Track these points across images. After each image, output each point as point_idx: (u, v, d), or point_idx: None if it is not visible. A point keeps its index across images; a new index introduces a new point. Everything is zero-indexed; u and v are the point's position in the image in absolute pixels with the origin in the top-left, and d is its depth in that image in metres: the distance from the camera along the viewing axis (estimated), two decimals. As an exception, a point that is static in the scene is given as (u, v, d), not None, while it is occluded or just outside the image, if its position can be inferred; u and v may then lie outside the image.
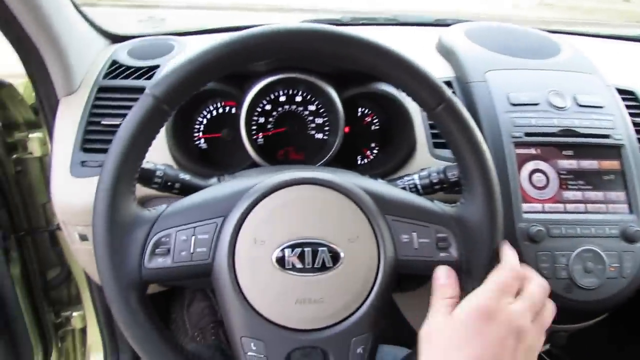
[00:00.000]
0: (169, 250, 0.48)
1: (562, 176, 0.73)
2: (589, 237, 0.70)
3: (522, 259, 0.68)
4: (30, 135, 0.85)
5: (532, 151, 0.73)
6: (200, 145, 0.81)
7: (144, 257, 0.48)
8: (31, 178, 0.91)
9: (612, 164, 0.74)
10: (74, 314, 1.05)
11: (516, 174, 0.71)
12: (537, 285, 0.50)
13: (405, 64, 0.50)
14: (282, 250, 0.48)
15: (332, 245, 0.49)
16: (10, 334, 0.91)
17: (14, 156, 0.87)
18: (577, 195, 0.72)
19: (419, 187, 0.63)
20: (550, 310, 0.51)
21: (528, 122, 0.73)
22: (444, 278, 0.50)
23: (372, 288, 0.49)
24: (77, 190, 0.71)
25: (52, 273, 1.01)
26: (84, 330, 1.10)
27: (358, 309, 0.49)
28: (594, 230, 0.70)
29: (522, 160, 0.72)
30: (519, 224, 0.69)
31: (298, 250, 0.48)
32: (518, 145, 0.73)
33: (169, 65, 0.48)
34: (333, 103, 0.74)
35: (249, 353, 0.48)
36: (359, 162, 0.84)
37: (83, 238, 0.77)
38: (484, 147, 0.52)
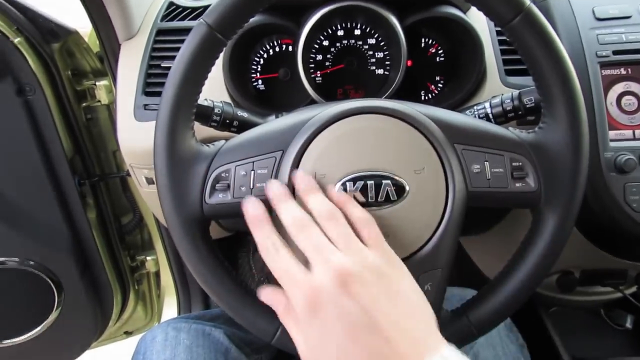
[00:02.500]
0: (228, 186, 0.47)
1: (657, 98, 0.65)
2: (687, 165, 0.62)
3: (608, 193, 0.62)
4: (97, 83, 0.87)
5: (622, 71, 0.65)
6: (257, 86, 0.79)
7: (204, 192, 0.47)
8: (101, 125, 0.94)
9: None
10: (148, 258, 1.11)
11: (602, 98, 0.64)
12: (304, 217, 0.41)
13: None
14: (344, 184, 0.46)
15: (396, 178, 0.46)
16: (91, 276, 0.97)
17: (84, 104, 0.90)
18: (675, 119, 0.64)
19: (490, 115, 0.58)
20: (361, 219, 0.41)
21: (618, 39, 0.65)
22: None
23: (440, 222, 0.46)
24: (142, 134, 0.73)
25: (125, 219, 1.06)
26: (157, 274, 1.15)
27: (426, 244, 0.46)
28: (697, 155, 0.62)
29: (610, 82, 0.65)
30: (605, 153, 0.62)
31: (360, 183, 0.45)
32: (605, 65, 0.65)
33: None
34: (394, 33, 0.70)
35: None
36: (423, 97, 0.79)
37: (150, 181, 0.79)
38: (569, 63, 0.46)
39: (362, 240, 0.41)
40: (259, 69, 0.79)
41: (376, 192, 0.45)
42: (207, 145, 0.50)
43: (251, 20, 0.70)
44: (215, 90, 0.74)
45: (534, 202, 0.47)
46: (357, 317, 0.36)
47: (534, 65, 0.46)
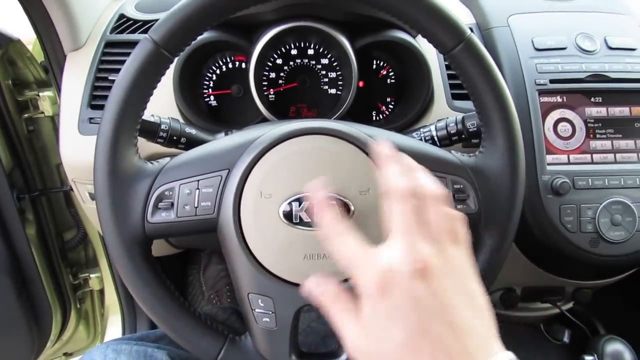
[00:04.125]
0: (172, 204, 0.47)
1: (590, 125, 0.69)
2: (617, 188, 0.66)
3: (545, 214, 0.66)
4: (41, 94, 0.84)
5: (558, 99, 0.69)
6: (209, 102, 0.79)
7: (146, 211, 0.46)
8: (44, 138, 0.90)
9: (644, 111, 0.70)
10: (92, 275, 1.06)
11: (540, 124, 0.67)
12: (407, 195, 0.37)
13: (420, 1, 0.47)
14: (290, 204, 0.46)
15: (341, 198, 0.46)
16: (28, 295, 0.92)
17: (26, 115, 0.86)
18: (606, 144, 0.69)
19: (436, 138, 0.60)
20: (456, 216, 0.39)
21: (554, 68, 0.69)
22: (314, 287, 0.40)
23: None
24: (86, 148, 0.70)
25: (68, 235, 1.02)
26: (102, 292, 1.11)
27: None
28: (624, 181, 0.66)
29: (547, 109, 0.69)
30: (543, 176, 0.66)
31: (306, 203, 0.46)
32: (542, 93, 0.69)
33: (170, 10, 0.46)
34: (346, 54, 0.71)
35: (257, 310, 0.47)
36: (374, 117, 0.81)
37: (93, 197, 0.76)
38: (506, 90, 0.48)
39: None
40: (211, 85, 0.78)
41: None
42: (151, 163, 0.49)
43: (203, 36, 0.71)
44: (165, 105, 0.72)
45: (473, 223, 0.48)
46: (431, 306, 0.34)
47: (474, 91, 0.48)
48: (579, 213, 0.65)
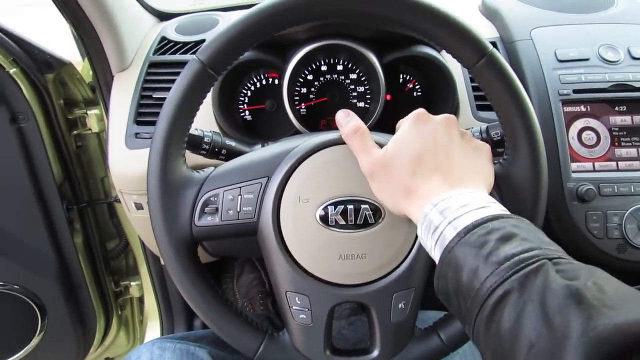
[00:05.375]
0: (217, 209, 0.51)
1: (614, 133, 0.70)
2: (644, 195, 0.67)
3: (571, 221, 0.67)
4: (88, 112, 0.90)
5: (582, 108, 0.71)
6: (245, 117, 0.83)
7: (194, 215, 0.51)
8: (90, 153, 0.97)
9: (670, 119, 0.71)
10: (132, 283, 1.12)
11: (564, 133, 0.69)
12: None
13: (443, 18, 0.50)
14: (325, 208, 0.49)
15: (374, 202, 0.50)
16: (75, 301, 0.97)
17: (75, 132, 0.92)
18: (631, 152, 0.70)
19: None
20: None
21: (577, 79, 0.71)
22: (343, 117, 0.53)
23: (413, 244, 0.50)
24: (132, 161, 0.75)
25: (111, 244, 1.07)
26: (141, 299, 1.16)
27: (400, 264, 0.50)
28: (650, 187, 0.67)
29: (571, 118, 0.70)
30: (568, 183, 0.67)
31: (341, 207, 0.49)
32: (566, 103, 0.71)
33: (215, 32, 0.50)
34: (374, 69, 0.75)
35: (294, 307, 0.50)
36: (401, 129, 0.84)
37: (138, 207, 0.81)
38: (528, 101, 0.51)
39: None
40: (246, 101, 0.83)
41: (355, 215, 0.49)
42: (197, 172, 0.53)
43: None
44: (204, 120, 0.77)
45: None
46: (444, 142, 0.48)
47: (497, 103, 0.51)
48: (605, 219, 0.66)
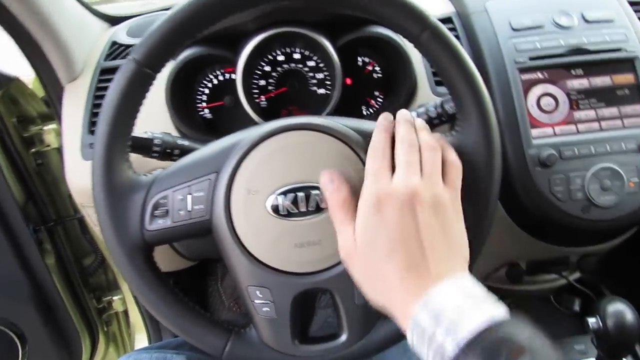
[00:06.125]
0: (167, 212, 0.49)
1: (573, 97, 0.71)
2: (604, 154, 0.68)
3: (535, 186, 0.68)
4: (45, 128, 0.88)
5: (539, 75, 0.71)
6: (204, 115, 0.82)
7: (144, 219, 0.49)
8: (53, 170, 0.94)
9: (626, 78, 0.72)
10: (114, 297, 1.10)
11: (522, 101, 0.69)
12: (409, 144, 0.46)
13: None
14: (276, 197, 0.48)
15: None
16: (55, 322, 0.95)
17: (33, 150, 0.90)
18: (590, 114, 0.70)
19: (418, 125, 0.62)
20: (452, 164, 0.47)
21: (533, 46, 0.71)
22: (328, 182, 0.47)
23: None
24: (90, 173, 0.73)
25: (87, 260, 1.05)
26: (126, 312, 1.14)
27: None
28: (610, 147, 0.68)
29: (529, 85, 0.71)
30: (529, 150, 0.68)
31: (291, 195, 0.48)
32: (523, 70, 0.71)
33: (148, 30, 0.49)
34: (329, 54, 0.74)
35: (256, 301, 0.49)
36: (364, 112, 0.83)
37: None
38: (474, 70, 0.50)
39: (444, 178, 0.47)
40: (204, 99, 0.81)
41: (306, 202, 0.48)
42: (145, 175, 0.52)
43: (189, 52, 0.74)
44: (161, 123, 0.75)
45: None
46: (411, 227, 0.42)
47: (444, 75, 0.51)
48: (568, 182, 0.67)
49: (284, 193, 0.48)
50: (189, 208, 0.49)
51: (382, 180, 0.44)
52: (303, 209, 0.48)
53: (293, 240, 0.49)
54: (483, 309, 0.37)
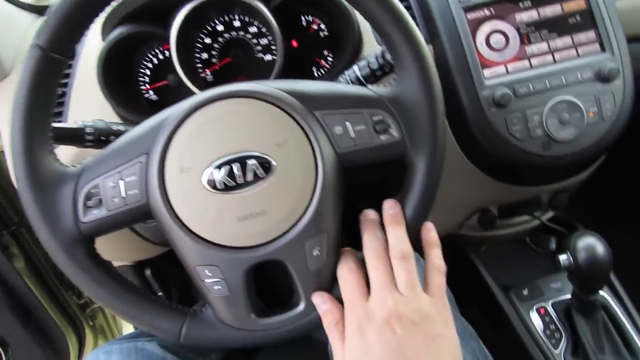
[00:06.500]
0: (101, 201, 0.47)
1: (523, 31, 0.68)
2: (560, 87, 0.65)
3: (492, 128, 0.65)
4: (-11, 131, 0.84)
5: (485, 12, 0.68)
6: (150, 97, 0.78)
7: (77, 212, 0.47)
8: (5, 173, 0.91)
9: (577, 4, 0.68)
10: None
11: (471, 41, 0.66)
12: (378, 257, 0.47)
13: None
14: (211, 172, 0.46)
15: (259, 155, 0.46)
16: (36, 324, 0.94)
17: (-20, 154, 0.87)
18: (542, 47, 0.67)
19: (361, 77, 0.59)
20: (433, 268, 0.48)
21: (477, -17, 0.67)
22: (320, 302, 0.49)
23: (314, 188, 0.47)
24: None
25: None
26: (109, 305, 1.13)
27: (304, 212, 0.47)
28: (565, 79, 0.65)
29: (476, 24, 0.67)
30: (483, 91, 0.65)
31: (226, 168, 0.46)
32: (468, 9, 0.67)
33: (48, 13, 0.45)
34: (266, 17, 0.70)
35: (207, 280, 0.47)
36: (315, 73, 0.80)
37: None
38: (406, 16, 0.47)
39: (426, 284, 0.48)
40: (147, 80, 0.77)
41: (243, 172, 0.46)
42: (74, 165, 0.49)
43: (117, 32, 0.70)
44: (102, 111, 0.72)
45: (401, 150, 0.49)
46: (394, 350, 0.43)
47: (376, 24, 0.48)
48: (526, 120, 0.64)
49: (219, 166, 0.46)
50: (123, 194, 0.47)
51: (359, 305, 0.46)
52: (241, 181, 0.46)
53: (235, 214, 0.46)
54: None
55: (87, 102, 0.72)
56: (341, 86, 0.51)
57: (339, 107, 0.48)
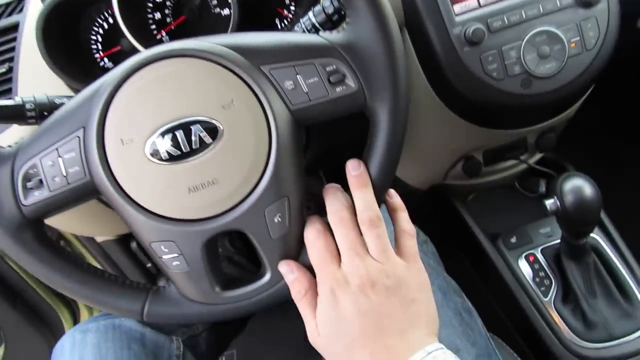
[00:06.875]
0: (41, 181, 0.44)
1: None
2: (538, 17, 0.60)
3: (466, 69, 0.60)
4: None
5: (449, -58, 0.61)
6: (105, 65, 0.74)
7: (17, 195, 0.44)
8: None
9: None
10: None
11: (435, -26, 0.60)
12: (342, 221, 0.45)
13: None
14: (153, 142, 0.42)
15: (204, 119, 0.42)
16: (25, 304, 0.94)
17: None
18: (516, -28, 0.61)
19: (317, 25, 0.54)
20: (404, 232, 0.47)
21: None
22: (287, 271, 0.47)
23: (269, 151, 0.43)
24: None
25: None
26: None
27: (261, 178, 0.44)
28: (543, 7, 0.60)
29: (442, -48, 0.61)
30: (453, 29, 0.60)
31: (169, 136, 0.42)
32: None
33: None
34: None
35: (164, 257, 0.45)
36: (279, 25, 0.75)
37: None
38: None
39: (398, 249, 0.46)
40: (99, 47, 0.73)
41: (187, 140, 0.42)
42: (9, 146, 0.46)
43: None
44: (53, 86, 0.68)
45: (360, 102, 0.44)
46: (369, 317, 0.41)
47: None
48: (502, 57, 0.59)
49: (161, 135, 0.42)
50: (64, 173, 0.44)
51: (330, 271, 0.43)
52: (186, 149, 0.42)
53: (185, 185, 0.43)
54: None
55: (36, 76, 0.68)
56: (289, 36, 0.46)
57: (288, 59, 0.44)
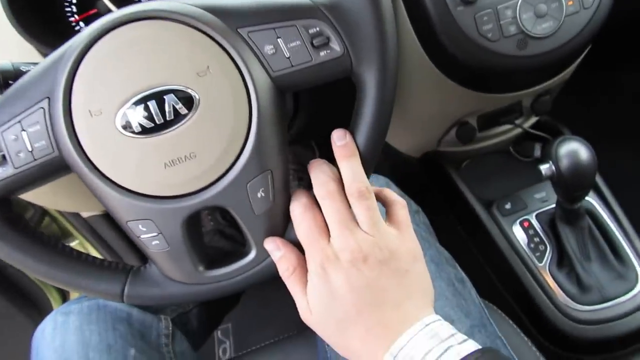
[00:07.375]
0: (4, 157, 0.40)
1: None
2: (535, -28, 0.57)
3: (460, 30, 0.58)
4: None
5: None
6: (82, 30, 0.70)
7: None
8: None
9: None
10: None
11: None
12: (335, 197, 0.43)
13: None
14: (124, 113, 0.39)
15: (178, 88, 0.39)
16: (10, 284, 0.92)
17: None
18: None
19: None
20: (394, 203, 0.45)
21: None
22: (275, 250, 0.44)
23: (250, 121, 0.40)
24: None
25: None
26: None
27: (241, 150, 0.41)
28: (540, -38, 0.57)
29: None
30: (447, -14, 0.57)
31: (141, 107, 0.39)
32: None
33: None
34: None
35: (142, 236, 0.42)
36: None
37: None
38: None
39: (390, 218, 0.45)
40: (74, 10, 0.68)
41: (161, 111, 0.39)
42: None
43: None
44: (24, 53, 0.64)
45: (346, 67, 0.42)
46: (363, 291, 0.40)
47: None
48: (498, 17, 0.57)
49: (133, 106, 0.39)
50: (29, 148, 0.40)
51: (319, 246, 0.42)
52: (160, 121, 0.39)
53: (161, 160, 0.40)
54: (449, 350, 0.37)
55: (4, 42, 0.64)
56: None
57: (268, 21, 0.40)
